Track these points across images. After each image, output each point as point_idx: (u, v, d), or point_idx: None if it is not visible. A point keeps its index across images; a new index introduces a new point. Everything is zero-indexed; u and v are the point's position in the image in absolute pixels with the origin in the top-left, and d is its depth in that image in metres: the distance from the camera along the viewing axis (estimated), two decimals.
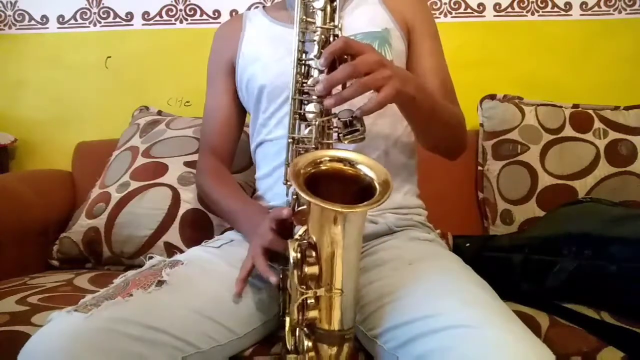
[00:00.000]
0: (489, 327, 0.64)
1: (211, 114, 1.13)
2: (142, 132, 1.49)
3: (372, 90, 0.74)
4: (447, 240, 1.16)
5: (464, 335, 0.64)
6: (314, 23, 0.79)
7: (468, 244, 1.18)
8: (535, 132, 1.47)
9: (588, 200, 1.26)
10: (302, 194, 0.63)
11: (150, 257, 0.88)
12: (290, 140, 0.82)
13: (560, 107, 1.51)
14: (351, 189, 0.70)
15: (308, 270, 0.67)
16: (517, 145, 1.46)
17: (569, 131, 1.46)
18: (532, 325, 0.87)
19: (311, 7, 0.80)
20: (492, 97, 1.54)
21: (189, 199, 1.31)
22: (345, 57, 0.74)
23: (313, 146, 0.77)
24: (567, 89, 1.69)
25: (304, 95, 0.80)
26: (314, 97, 0.78)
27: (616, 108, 1.51)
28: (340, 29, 0.79)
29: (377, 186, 0.67)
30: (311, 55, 0.79)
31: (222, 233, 1.13)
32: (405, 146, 1.03)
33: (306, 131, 0.79)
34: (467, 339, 0.63)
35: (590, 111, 1.50)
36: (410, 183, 1.04)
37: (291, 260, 0.67)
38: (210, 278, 0.83)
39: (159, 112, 1.63)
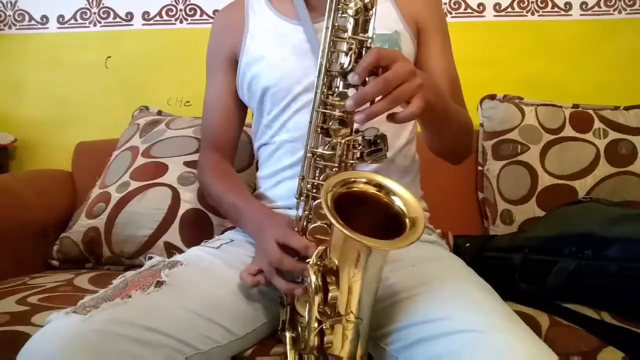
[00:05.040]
0: (494, 331, 0.64)
1: (212, 107, 1.09)
2: (142, 132, 1.49)
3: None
4: (447, 240, 1.16)
5: (469, 339, 0.64)
6: (345, 31, 0.73)
7: (468, 244, 1.18)
8: (535, 132, 1.47)
9: (588, 200, 1.25)
10: (334, 222, 0.60)
11: (150, 258, 0.87)
12: (310, 155, 0.77)
13: (560, 107, 1.51)
14: (378, 216, 0.67)
15: (329, 296, 0.64)
16: (517, 145, 1.46)
17: (569, 131, 1.46)
18: (532, 325, 0.87)
19: (342, 12, 0.73)
20: (492, 97, 1.53)
21: (189, 199, 1.31)
22: (375, 68, 0.70)
23: (335, 164, 0.74)
24: (567, 89, 1.69)
25: (327, 108, 0.74)
26: (337, 110, 0.73)
27: (616, 108, 1.51)
28: (373, 41, 0.73)
29: (407, 221, 0.64)
30: (338, 67, 0.73)
31: (221, 233, 1.13)
32: (409, 151, 1.03)
33: (326, 146, 0.74)
34: (473, 343, 0.64)
35: (590, 111, 1.49)
36: (413, 186, 1.04)
37: (312, 287, 0.64)
38: (209, 279, 0.83)
39: (159, 112, 1.63)
